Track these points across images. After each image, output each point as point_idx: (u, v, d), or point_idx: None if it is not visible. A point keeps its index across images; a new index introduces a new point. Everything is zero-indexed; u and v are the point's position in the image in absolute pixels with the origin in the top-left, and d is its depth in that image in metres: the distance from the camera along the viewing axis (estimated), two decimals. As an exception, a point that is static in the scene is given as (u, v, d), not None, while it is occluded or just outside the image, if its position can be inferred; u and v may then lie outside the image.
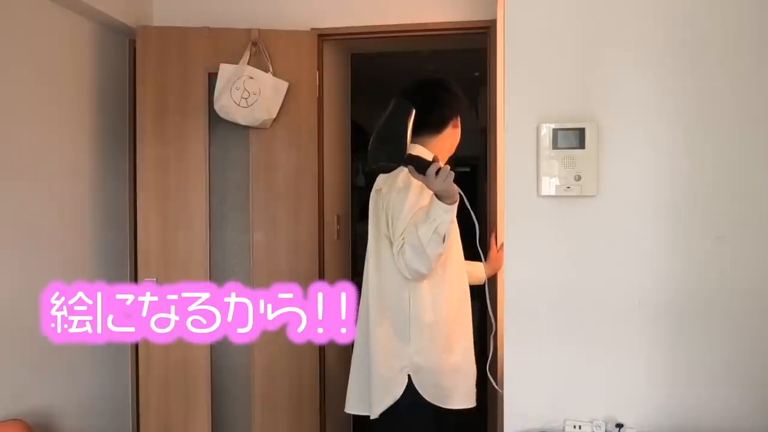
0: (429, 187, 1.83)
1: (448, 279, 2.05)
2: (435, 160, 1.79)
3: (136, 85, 2.68)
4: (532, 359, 1.61)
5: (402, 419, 2.05)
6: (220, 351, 2.77)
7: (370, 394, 2.05)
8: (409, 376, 2.01)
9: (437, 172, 1.76)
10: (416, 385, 2.01)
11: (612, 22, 1.57)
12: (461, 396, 2.05)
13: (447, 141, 2.17)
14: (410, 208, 1.97)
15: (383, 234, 2.05)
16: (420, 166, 1.78)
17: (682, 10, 1.55)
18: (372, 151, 1.79)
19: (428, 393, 2.01)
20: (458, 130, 2.20)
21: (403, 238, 1.94)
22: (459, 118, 2.19)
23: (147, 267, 2.66)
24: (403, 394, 2.01)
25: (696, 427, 1.55)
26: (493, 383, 2.01)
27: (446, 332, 2.05)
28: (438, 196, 1.86)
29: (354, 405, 2.13)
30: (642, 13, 1.56)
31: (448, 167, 1.80)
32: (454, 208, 1.88)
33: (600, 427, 1.54)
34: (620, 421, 1.56)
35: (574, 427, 1.56)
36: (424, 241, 1.88)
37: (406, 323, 2.02)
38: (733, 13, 1.54)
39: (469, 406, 2.06)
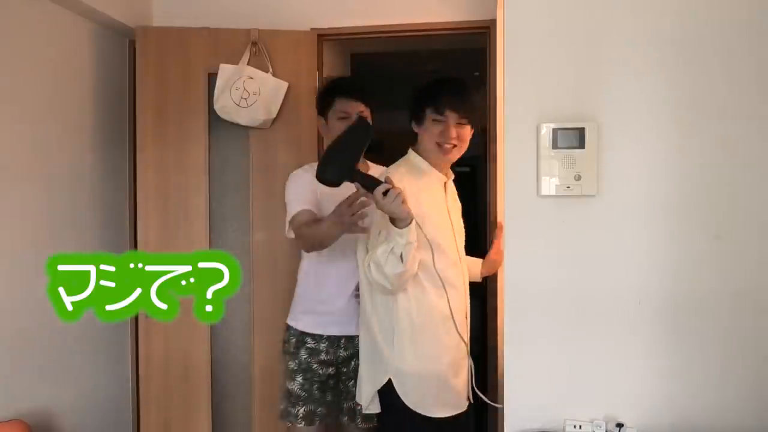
0: (378, 208, 1.84)
1: (434, 287, 2.02)
2: (387, 181, 1.80)
3: (136, 85, 2.68)
4: (532, 359, 1.61)
5: (396, 421, 2.05)
6: (220, 350, 2.77)
7: (360, 390, 2.10)
8: (390, 380, 2.01)
9: (385, 193, 1.78)
10: (397, 390, 2.00)
11: (612, 22, 1.58)
12: (443, 405, 2.03)
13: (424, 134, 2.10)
14: (377, 223, 1.96)
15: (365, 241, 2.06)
16: (368, 185, 1.80)
17: (681, 10, 1.55)
18: (321, 165, 1.84)
19: (409, 399, 2.00)
20: (442, 125, 2.07)
21: (370, 255, 1.94)
22: (446, 114, 2.05)
23: (147, 267, 2.66)
24: (381, 399, 2.03)
25: (695, 427, 1.56)
26: (483, 398, 2.01)
27: (431, 339, 2.02)
28: (391, 219, 1.85)
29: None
30: (642, 13, 1.57)
31: (399, 189, 1.80)
32: (408, 231, 1.86)
33: (600, 426, 1.54)
34: (620, 420, 1.56)
35: (575, 426, 1.56)
36: (381, 261, 1.88)
37: (390, 327, 2.01)
38: (733, 13, 1.54)
39: (450, 415, 2.03)
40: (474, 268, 2.35)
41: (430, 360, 2.01)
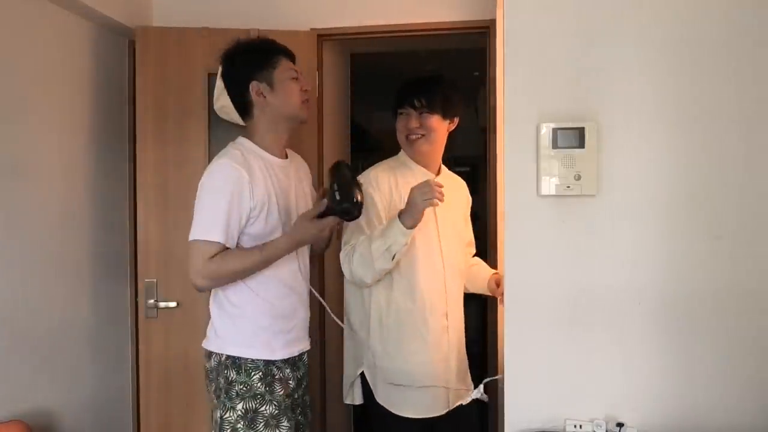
0: (415, 196, 1.88)
1: (406, 284, 2.05)
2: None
3: (136, 85, 2.68)
4: (532, 359, 1.61)
5: (377, 414, 2.08)
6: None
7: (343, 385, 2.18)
8: (363, 373, 2.08)
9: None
10: (370, 383, 2.04)
11: (612, 22, 1.57)
12: (412, 405, 2.04)
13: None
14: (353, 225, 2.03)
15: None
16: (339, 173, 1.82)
17: (681, 9, 1.55)
18: (356, 208, 1.79)
19: (378, 395, 2.03)
20: (405, 117, 2.16)
21: (352, 245, 1.99)
22: (406, 106, 2.15)
23: (147, 267, 2.66)
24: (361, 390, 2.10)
25: (696, 426, 1.56)
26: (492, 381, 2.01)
27: (399, 339, 2.05)
28: (400, 215, 1.91)
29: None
30: (641, 12, 1.57)
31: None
32: (412, 233, 1.92)
33: (601, 426, 1.54)
34: (620, 420, 1.56)
35: (575, 426, 1.56)
36: (375, 256, 1.93)
37: (365, 321, 2.07)
38: (732, 12, 1.54)
39: (420, 417, 2.05)
40: (482, 274, 2.32)
41: (398, 359, 2.03)
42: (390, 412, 2.03)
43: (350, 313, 2.14)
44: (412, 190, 1.92)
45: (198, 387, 2.69)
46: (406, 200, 2.03)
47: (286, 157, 1.98)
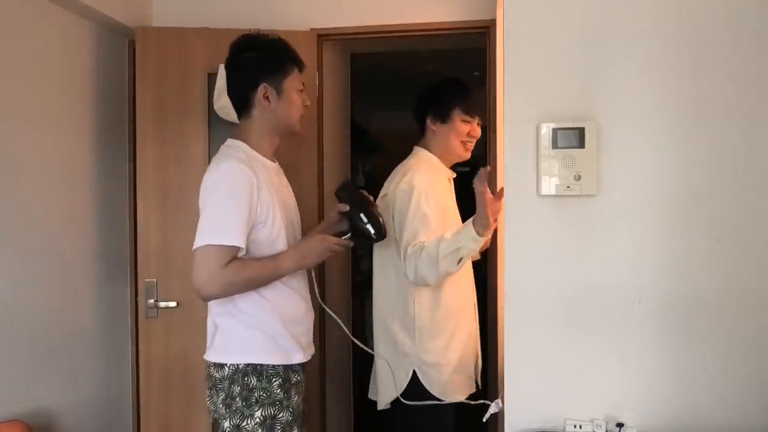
0: (484, 206, 1.91)
1: (450, 281, 2.11)
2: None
3: (136, 85, 2.68)
4: (532, 359, 1.62)
5: (404, 414, 2.10)
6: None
7: (377, 387, 2.18)
8: (414, 372, 2.09)
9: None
10: (422, 380, 2.07)
11: (612, 22, 1.58)
12: (460, 389, 2.15)
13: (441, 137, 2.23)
14: (414, 212, 2.03)
15: (391, 237, 2.08)
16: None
17: (681, 9, 1.55)
18: (378, 230, 1.88)
19: (434, 388, 2.09)
20: (470, 125, 2.22)
21: (415, 244, 2.02)
22: (474, 115, 2.23)
23: (147, 267, 2.66)
24: (405, 389, 2.09)
25: (696, 426, 1.56)
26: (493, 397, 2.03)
27: (449, 330, 2.12)
28: (474, 222, 1.96)
29: (372, 393, 2.28)
30: (642, 12, 1.57)
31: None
32: (483, 240, 1.98)
33: (600, 426, 1.54)
34: (620, 420, 1.56)
35: (575, 426, 1.56)
36: (440, 256, 1.97)
37: (410, 322, 2.07)
38: (733, 12, 1.54)
39: (467, 396, 2.16)
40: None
41: (448, 349, 2.11)
42: (437, 405, 2.08)
43: (388, 319, 2.15)
44: (490, 205, 1.95)
45: (198, 387, 2.69)
46: (441, 199, 2.11)
47: (275, 160, 1.97)
